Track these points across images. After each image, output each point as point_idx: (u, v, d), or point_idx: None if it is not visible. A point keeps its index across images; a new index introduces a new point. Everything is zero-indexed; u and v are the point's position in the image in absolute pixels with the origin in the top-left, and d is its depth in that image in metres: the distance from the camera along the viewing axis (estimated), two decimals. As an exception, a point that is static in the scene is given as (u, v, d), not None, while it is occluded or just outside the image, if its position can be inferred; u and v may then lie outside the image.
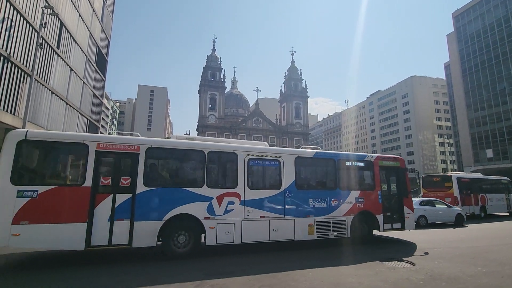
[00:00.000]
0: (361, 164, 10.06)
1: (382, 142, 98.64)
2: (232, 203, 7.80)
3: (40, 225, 6.11)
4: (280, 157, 8.74)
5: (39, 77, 21.21)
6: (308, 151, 9.51)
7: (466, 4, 57.83)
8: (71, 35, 26.25)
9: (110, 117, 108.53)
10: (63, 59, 24.85)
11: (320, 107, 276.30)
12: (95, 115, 33.84)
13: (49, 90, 22.86)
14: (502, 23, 49.97)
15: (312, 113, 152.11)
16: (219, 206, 7.66)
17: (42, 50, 20.77)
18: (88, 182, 6.57)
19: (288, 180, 8.57)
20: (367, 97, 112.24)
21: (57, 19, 23.44)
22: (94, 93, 32.82)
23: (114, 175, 6.97)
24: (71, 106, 26.77)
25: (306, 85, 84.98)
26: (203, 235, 7.56)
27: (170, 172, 8.15)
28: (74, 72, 27.12)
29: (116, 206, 6.72)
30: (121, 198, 6.80)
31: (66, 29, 25.27)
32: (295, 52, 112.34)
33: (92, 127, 32.73)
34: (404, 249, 8.93)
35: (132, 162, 7.12)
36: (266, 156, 8.66)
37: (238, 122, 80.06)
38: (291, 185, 8.57)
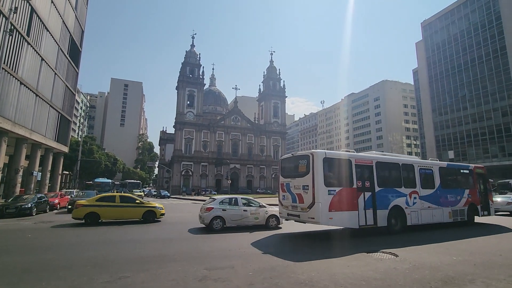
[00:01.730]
0: (467, 171, 14.36)
1: (355, 142, 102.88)
2: (415, 198, 11.67)
3: (339, 212, 9.60)
4: (432, 166, 12.91)
5: (7, 65, 19.72)
6: (444, 163, 13.95)
7: (434, 14, 61.94)
8: (42, 22, 24.63)
9: (80, 111, 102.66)
10: (33, 48, 23.27)
11: (296, 107, 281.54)
12: (67, 108, 32.00)
13: (18, 80, 21.34)
14: (465, 35, 54.22)
15: (289, 113, 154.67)
16: (410, 200, 11.48)
17: (11, 37, 19.33)
18: (354, 185, 10.18)
19: (437, 182, 12.66)
20: (341, 99, 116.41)
21: (28, 4, 21.90)
22: (66, 85, 31.01)
23: (363, 180, 10.46)
24: (41, 98, 25.14)
25: (284, 85, 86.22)
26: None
27: (388, 177, 11.50)
28: (45, 62, 25.48)
29: (365, 200, 10.26)
30: (367, 195, 10.36)
31: (37, 15, 23.68)
32: (274, 52, 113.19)
33: (63, 121, 30.95)
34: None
35: (370, 171, 10.75)
36: (426, 166, 12.78)
37: (217, 119, 79.36)
38: (439, 186, 12.66)
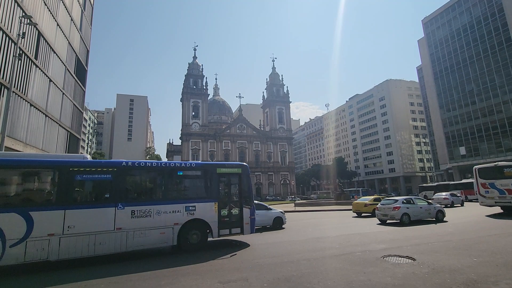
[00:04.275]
0: None
1: (363, 144, 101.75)
2: None
3: None
4: None
5: (17, 89, 20.31)
6: None
7: (434, 11, 61.59)
8: (49, 45, 25.39)
9: (88, 128, 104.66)
10: (41, 70, 23.95)
11: (301, 111, 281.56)
12: (76, 126, 32.66)
13: (28, 102, 21.92)
14: (467, 29, 53.65)
15: (294, 118, 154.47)
16: None
17: (20, 61, 19.93)
18: None
19: None
20: (346, 101, 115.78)
21: (35, 29, 22.64)
22: (74, 104, 31.73)
23: None
24: (50, 118, 25.74)
25: (288, 91, 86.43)
26: None
27: None
28: (53, 83, 26.17)
29: None
30: None
31: (44, 39, 24.44)
32: (275, 58, 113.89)
33: (72, 139, 31.54)
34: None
35: None
36: None
37: (222, 129, 79.85)
38: None
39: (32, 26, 21.74)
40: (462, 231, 12.11)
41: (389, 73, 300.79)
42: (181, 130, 74.67)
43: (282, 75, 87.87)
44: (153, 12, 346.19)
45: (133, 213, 8.54)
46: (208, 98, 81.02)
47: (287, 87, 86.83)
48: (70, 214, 7.81)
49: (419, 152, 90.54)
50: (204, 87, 78.27)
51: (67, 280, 6.56)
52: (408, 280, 5.62)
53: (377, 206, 16.68)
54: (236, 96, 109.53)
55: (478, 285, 5.21)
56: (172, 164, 9.95)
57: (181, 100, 78.80)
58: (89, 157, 9.30)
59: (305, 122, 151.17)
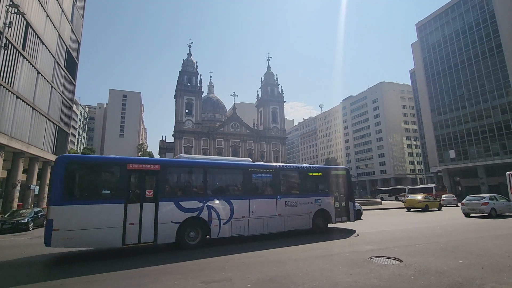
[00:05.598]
0: None
1: (355, 145, 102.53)
2: None
3: None
4: None
5: (3, 80, 19.68)
6: None
7: (428, 15, 62.33)
8: (38, 36, 24.70)
9: (79, 123, 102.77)
10: (29, 61, 23.28)
11: (295, 111, 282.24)
12: (65, 120, 31.92)
13: (14, 94, 21.27)
14: (460, 34, 54.44)
15: (288, 118, 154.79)
16: None
17: (6, 51, 19.33)
18: None
19: None
20: (340, 102, 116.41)
21: (23, 18, 21.98)
22: (63, 97, 31.00)
23: None
24: (38, 111, 25.06)
25: (282, 90, 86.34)
26: None
27: None
28: (41, 75, 25.48)
29: None
30: None
31: (33, 29, 23.76)
32: (271, 57, 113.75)
33: (61, 134, 30.83)
34: None
35: None
36: None
37: (216, 127, 79.31)
38: None
39: (20, 16, 21.10)
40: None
41: (382, 76, 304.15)
42: (174, 127, 73.88)
43: (277, 75, 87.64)
44: (148, 8, 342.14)
45: (286, 203, 11.38)
46: (202, 96, 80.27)
47: (281, 86, 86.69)
48: (252, 202, 10.66)
49: (410, 154, 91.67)
50: (198, 85, 77.51)
51: (45, 278, 6.31)
52: (393, 282, 5.56)
53: (463, 201, 19.64)
54: (231, 95, 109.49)
55: (463, 287, 5.17)
56: (305, 167, 13.07)
57: (175, 97, 77.88)
58: (251, 161, 12.04)
59: (299, 122, 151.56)
